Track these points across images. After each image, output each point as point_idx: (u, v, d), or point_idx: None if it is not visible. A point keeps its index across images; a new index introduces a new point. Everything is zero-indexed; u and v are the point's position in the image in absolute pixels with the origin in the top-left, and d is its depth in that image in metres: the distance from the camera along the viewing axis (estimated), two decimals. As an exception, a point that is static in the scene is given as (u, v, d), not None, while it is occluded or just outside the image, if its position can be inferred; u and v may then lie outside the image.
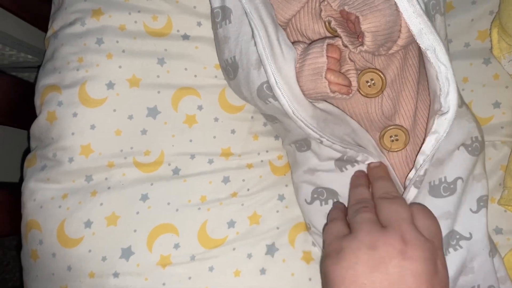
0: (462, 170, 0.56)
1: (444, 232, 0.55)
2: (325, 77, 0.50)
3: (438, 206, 0.56)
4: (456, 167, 0.56)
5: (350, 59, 0.53)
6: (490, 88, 0.65)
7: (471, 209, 0.56)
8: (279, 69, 0.51)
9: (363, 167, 0.58)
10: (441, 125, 0.50)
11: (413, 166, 0.54)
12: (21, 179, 0.69)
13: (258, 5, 0.53)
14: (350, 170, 0.58)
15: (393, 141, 0.56)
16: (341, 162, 0.59)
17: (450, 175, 0.56)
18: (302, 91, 0.52)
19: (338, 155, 0.58)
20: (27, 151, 0.72)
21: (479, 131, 0.59)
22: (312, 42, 0.54)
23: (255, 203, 0.65)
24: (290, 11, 0.55)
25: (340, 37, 0.50)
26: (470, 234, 0.55)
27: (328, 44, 0.51)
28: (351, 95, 0.51)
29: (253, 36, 0.53)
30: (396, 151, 0.56)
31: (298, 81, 0.52)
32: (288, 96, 0.51)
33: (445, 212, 0.56)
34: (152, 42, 0.67)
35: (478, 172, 0.58)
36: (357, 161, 0.57)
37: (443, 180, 0.56)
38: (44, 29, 0.74)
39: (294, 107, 0.51)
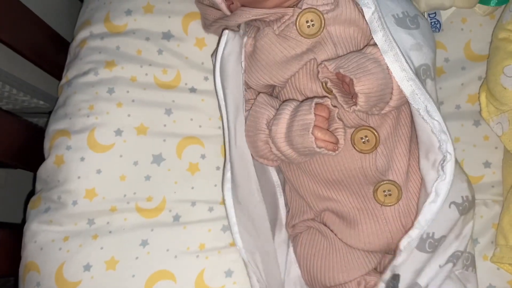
0: (448, 229, 0.57)
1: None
2: (312, 133, 0.53)
3: (418, 260, 0.56)
4: (445, 225, 0.57)
5: (338, 118, 0.56)
6: (480, 148, 0.68)
7: (439, 265, 0.57)
8: (230, 151, 0.60)
9: None
10: (441, 188, 0.53)
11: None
12: (23, 221, 0.70)
13: (226, 90, 0.60)
14: None
15: (386, 195, 0.58)
16: None
17: (438, 232, 0.57)
18: (292, 144, 0.55)
19: None
20: (31, 193, 0.74)
21: (470, 190, 0.60)
22: (304, 100, 0.58)
23: (252, 253, 0.66)
24: (289, 71, 0.59)
25: (336, 97, 0.54)
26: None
27: (317, 103, 0.55)
28: (337, 151, 0.54)
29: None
30: (389, 205, 0.58)
31: (287, 135, 0.56)
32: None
33: (416, 269, 0.57)
34: (161, 93, 0.71)
35: (462, 231, 0.59)
36: None
37: (430, 235, 0.56)
38: (58, 77, 0.78)
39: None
